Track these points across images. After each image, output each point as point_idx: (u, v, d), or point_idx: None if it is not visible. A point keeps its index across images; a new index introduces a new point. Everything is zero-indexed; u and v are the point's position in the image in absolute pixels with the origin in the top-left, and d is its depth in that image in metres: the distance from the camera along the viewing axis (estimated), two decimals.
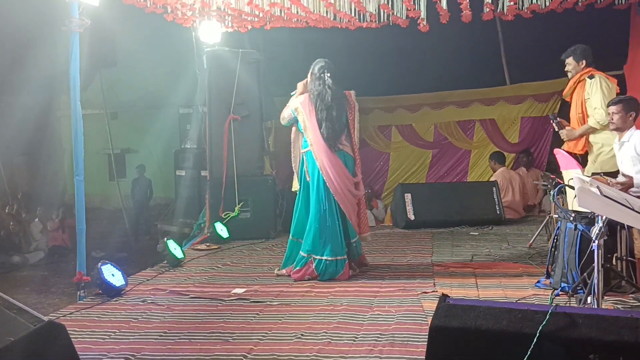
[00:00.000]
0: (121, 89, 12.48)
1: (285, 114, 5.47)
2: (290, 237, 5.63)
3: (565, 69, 5.88)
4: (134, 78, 12.35)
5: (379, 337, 3.69)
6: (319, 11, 6.38)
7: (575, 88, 5.83)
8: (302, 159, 5.44)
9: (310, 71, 5.41)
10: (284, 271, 5.53)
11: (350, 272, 5.38)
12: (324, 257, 5.26)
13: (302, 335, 3.77)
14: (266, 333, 3.84)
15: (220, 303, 4.59)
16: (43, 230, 10.35)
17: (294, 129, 5.55)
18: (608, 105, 5.04)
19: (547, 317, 2.34)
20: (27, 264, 9.30)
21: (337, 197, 5.28)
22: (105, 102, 11.25)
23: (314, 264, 5.27)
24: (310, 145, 5.31)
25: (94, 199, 12.97)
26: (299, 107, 5.35)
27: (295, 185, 5.58)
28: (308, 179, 5.38)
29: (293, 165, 5.61)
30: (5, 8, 7.33)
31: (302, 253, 5.35)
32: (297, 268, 5.35)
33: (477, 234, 7.59)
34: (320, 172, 5.27)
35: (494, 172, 9.29)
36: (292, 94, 5.54)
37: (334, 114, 5.31)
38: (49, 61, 7.96)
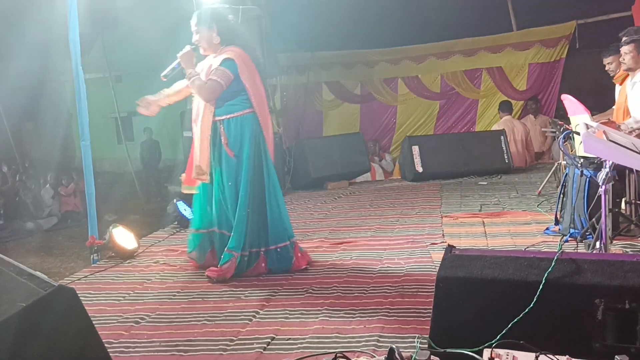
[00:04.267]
0: (124, 51, 12.39)
1: (223, 80, 3.95)
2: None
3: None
4: (136, 39, 12.24)
5: (388, 289, 3.73)
6: None
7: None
8: (217, 129, 4.09)
9: (207, 19, 4.08)
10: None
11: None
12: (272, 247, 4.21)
13: (312, 290, 3.82)
14: (277, 289, 3.89)
15: None
16: (55, 196, 10.44)
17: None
18: (620, 46, 4.93)
19: (553, 264, 2.35)
20: (40, 230, 9.41)
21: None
22: (109, 65, 11.17)
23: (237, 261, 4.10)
24: (260, 108, 4.11)
25: (103, 163, 13.06)
26: (241, 64, 4.03)
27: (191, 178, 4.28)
28: (231, 153, 4.06)
29: (198, 142, 4.16)
30: None
31: (231, 251, 4.09)
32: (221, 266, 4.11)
33: (485, 183, 7.59)
34: (267, 141, 4.14)
35: None
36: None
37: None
38: (49, 24, 7.88)
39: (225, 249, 4.10)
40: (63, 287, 1.93)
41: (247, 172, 4.05)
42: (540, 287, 2.31)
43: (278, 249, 4.21)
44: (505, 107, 9.29)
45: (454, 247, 2.65)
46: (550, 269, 2.34)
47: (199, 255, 4.37)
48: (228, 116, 4.07)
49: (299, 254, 4.31)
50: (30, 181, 10.79)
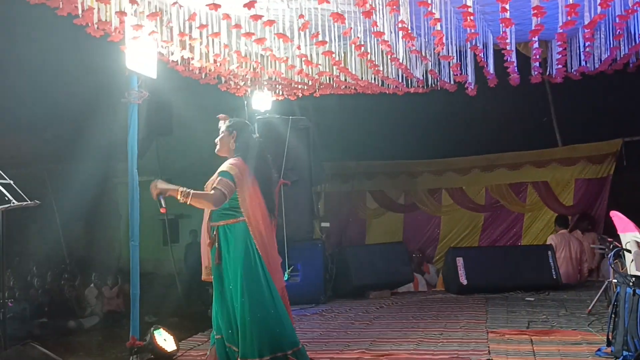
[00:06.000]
0: (176, 156, 12.88)
1: (226, 189, 4.04)
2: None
3: None
4: (188, 146, 12.77)
5: None
6: (367, 78, 6.53)
7: None
8: (212, 235, 4.20)
9: (234, 126, 4.34)
10: None
11: None
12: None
13: None
14: None
15: None
16: (98, 296, 10.54)
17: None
18: None
19: None
20: (82, 329, 9.44)
21: (276, 277, 4.20)
22: (161, 169, 11.58)
23: None
24: (249, 218, 4.13)
25: (147, 264, 13.20)
26: (238, 174, 4.15)
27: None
28: (218, 260, 4.13)
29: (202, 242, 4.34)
30: (70, 81, 7.77)
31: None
32: None
33: (533, 299, 7.36)
34: (260, 250, 4.10)
35: None
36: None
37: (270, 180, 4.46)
38: (108, 131, 8.33)
39: (238, 357, 3.97)
40: None
41: (242, 279, 4.02)
42: None
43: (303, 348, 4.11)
44: (562, 222, 9.15)
45: None
46: None
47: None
48: (222, 223, 4.14)
49: None
50: (75, 280, 10.96)
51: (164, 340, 4.89)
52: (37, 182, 11.21)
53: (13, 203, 4.44)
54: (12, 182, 4.57)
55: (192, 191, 4.04)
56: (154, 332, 4.85)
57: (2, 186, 4.42)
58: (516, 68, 6.62)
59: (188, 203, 4.02)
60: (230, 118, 4.41)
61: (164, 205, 4.13)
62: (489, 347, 5.04)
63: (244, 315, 3.97)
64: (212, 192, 4.06)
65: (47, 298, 9.92)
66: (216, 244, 4.14)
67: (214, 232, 4.16)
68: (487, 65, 6.44)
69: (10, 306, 8.58)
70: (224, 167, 4.18)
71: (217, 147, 4.35)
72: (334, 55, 5.37)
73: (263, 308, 4.01)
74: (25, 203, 4.54)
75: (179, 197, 4.05)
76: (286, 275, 7.38)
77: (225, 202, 4.07)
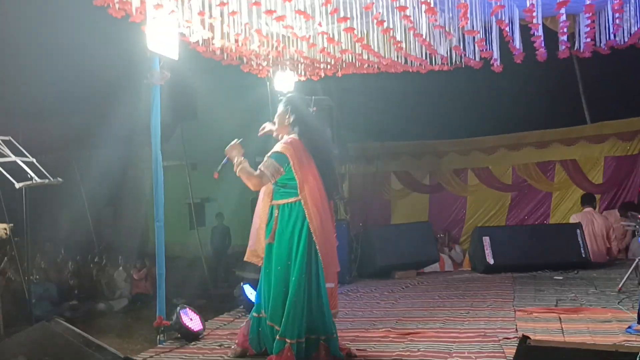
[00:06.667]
0: (200, 140, 12.92)
1: (268, 171, 4.05)
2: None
3: None
4: (213, 129, 12.77)
5: None
6: (390, 56, 6.43)
7: None
8: (272, 214, 4.19)
9: (289, 104, 4.32)
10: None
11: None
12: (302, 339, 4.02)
13: None
14: None
15: None
16: (127, 279, 10.69)
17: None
18: None
19: (637, 358, 2.18)
20: (111, 311, 9.59)
21: (330, 269, 4.15)
22: (186, 154, 11.64)
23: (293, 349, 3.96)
24: (306, 200, 4.07)
25: (174, 247, 13.33)
26: (294, 154, 4.09)
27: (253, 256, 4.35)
28: (272, 238, 4.14)
29: (255, 223, 4.32)
30: (93, 65, 7.80)
31: (283, 338, 3.98)
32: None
33: (561, 278, 7.27)
34: (314, 234, 4.05)
35: None
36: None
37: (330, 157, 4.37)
38: (133, 114, 8.36)
39: (277, 336, 3.98)
40: (129, 359, 1.94)
41: (301, 257, 4.02)
42: None
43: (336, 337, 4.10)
44: (587, 200, 8.96)
45: (529, 337, 2.51)
46: None
47: (252, 340, 4.27)
48: (282, 201, 4.12)
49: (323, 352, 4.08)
50: (104, 264, 11.12)
51: (190, 319, 4.93)
52: (65, 167, 11.33)
53: (35, 180, 4.49)
54: (34, 160, 4.62)
55: (244, 165, 4.08)
56: (180, 311, 4.89)
57: (25, 164, 4.47)
58: (543, 43, 6.46)
59: (237, 174, 4.09)
60: (286, 95, 4.40)
61: (218, 169, 4.17)
62: (516, 325, 4.99)
63: (291, 295, 3.97)
64: (256, 172, 4.07)
65: (77, 281, 10.09)
66: (273, 222, 4.13)
67: (274, 211, 4.15)
68: (513, 41, 6.30)
69: (37, 285, 8.72)
70: (276, 146, 4.16)
71: (275, 126, 4.32)
72: (355, 32, 5.29)
73: (308, 290, 4.02)
74: (47, 180, 4.59)
75: (235, 164, 4.11)
76: None
77: (265, 183, 4.09)
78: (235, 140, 4.24)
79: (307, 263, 4.03)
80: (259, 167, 4.08)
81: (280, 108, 4.31)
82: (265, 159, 4.09)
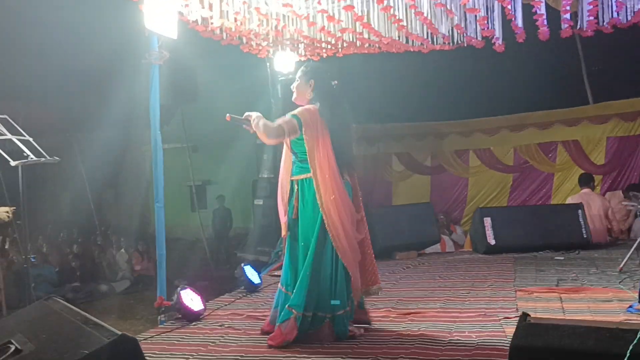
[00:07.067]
0: (201, 123, 12.89)
1: (286, 126, 3.99)
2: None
3: None
4: (213, 111, 12.69)
5: None
6: (391, 35, 6.38)
7: None
8: (293, 188, 4.18)
9: (311, 73, 4.21)
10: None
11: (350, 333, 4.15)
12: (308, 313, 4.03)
13: (379, 358, 3.68)
14: (342, 357, 3.77)
15: None
16: (129, 260, 10.73)
17: (285, 149, 4.29)
18: None
19: (638, 335, 2.17)
20: (113, 292, 9.65)
21: (337, 243, 4.01)
22: (187, 136, 11.64)
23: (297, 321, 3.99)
24: (315, 171, 4.02)
25: (176, 229, 13.41)
26: (308, 120, 4.03)
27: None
28: (296, 215, 4.15)
29: (280, 198, 4.29)
30: (93, 46, 7.75)
31: (292, 309, 4.03)
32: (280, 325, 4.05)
33: (562, 258, 7.26)
34: (322, 208, 4.00)
35: None
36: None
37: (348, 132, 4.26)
38: (132, 96, 8.33)
39: (287, 306, 4.03)
40: (126, 336, 1.94)
41: (318, 233, 4.01)
42: None
43: (344, 314, 4.10)
44: (585, 181, 8.89)
45: (529, 315, 2.50)
46: (635, 341, 2.16)
47: (273, 314, 4.27)
48: (301, 176, 4.11)
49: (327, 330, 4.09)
50: (106, 245, 11.16)
51: (191, 300, 4.94)
52: (65, 149, 11.32)
53: (31, 158, 4.48)
54: (31, 139, 4.61)
55: (261, 117, 4.05)
56: (181, 292, 4.89)
57: (22, 143, 4.46)
58: (545, 21, 6.39)
59: (252, 130, 4.05)
60: (307, 63, 4.29)
61: (233, 118, 4.14)
62: (517, 305, 4.98)
63: (305, 269, 4.00)
64: (275, 124, 4.00)
65: (79, 263, 10.14)
66: (294, 198, 4.11)
67: (294, 186, 4.13)
68: (515, 19, 6.23)
69: (36, 266, 8.75)
70: (295, 110, 4.08)
71: (294, 95, 4.23)
72: (355, 10, 5.24)
73: (321, 268, 4.01)
74: (43, 159, 4.57)
75: (252, 121, 4.07)
76: None
77: (281, 138, 4.03)
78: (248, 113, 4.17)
79: (322, 238, 4.00)
80: (277, 120, 4.02)
81: (302, 77, 4.20)
82: (284, 117, 4.03)
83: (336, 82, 4.23)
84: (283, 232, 4.24)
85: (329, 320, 4.07)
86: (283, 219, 4.24)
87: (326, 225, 3.98)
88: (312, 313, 4.01)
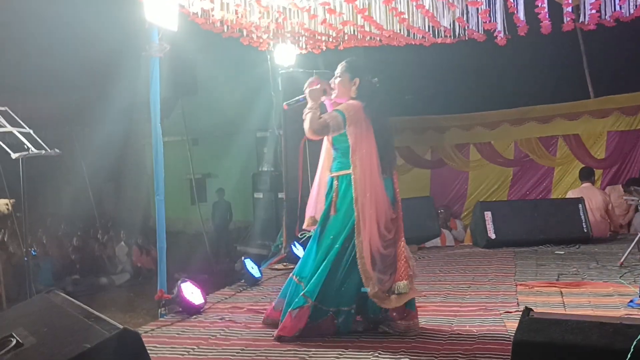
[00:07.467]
0: (201, 116, 12.89)
1: (332, 122, 3.98)
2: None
3: None
4: (213, 104, 12.73)
5: (460, 357, 3.55)
6: (392, 27, 6.35)
7: None
8: (332, 184, 4.12)
9: (354, 70, 4.15)
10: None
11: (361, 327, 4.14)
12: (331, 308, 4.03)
13: (379, 354, 3.68)
14: (342, 351, 3.76)
15: None
16: (128, 253, 10.73)
17: (326, 145, 4.26)
18: None
19: None
20: (113, 285, 9.66)
21: (363, 234, 3.96)
22: (187, 129, 11.62)
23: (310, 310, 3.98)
24: (355, 167, 3.97)
25: (176, 223, 13.42)
26: (353, 116, 4.00)
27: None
28: (333, 212, 4.08)
29: (315, 192, 4.25)
30: (93, 39, 7.72)
31: (307, 297, 4.01)
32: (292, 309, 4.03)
33: (563, 252, 7.25)
34: (356, 204, 3.95)
35: None
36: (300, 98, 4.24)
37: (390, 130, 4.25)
38: (133, 88, 8.31)
39: (302, 292, 4.00)
40: (128, 330, 1.93)
41: (349, 229, 3.97)
42: (628, 356, 2.12)
43: (351, 311, 4.07)
44: (585, 175, 8.85)
45: (532, 309, 2.49)
46: (639, 337, 2.15)
47: (279, 300, 4.27)
48: (341, 173, 4.05)
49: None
50: (106, 238, 11.15)
51: (191, 293, 4.93)
52: (65, 142, 11.32)
53: (32, 151, 4.46)
54: (31, 131, 4.59)
55: (313, 109, 4.01)
56: (181, 285, 4.89)
57: (22, 135, 4.44)
58: (547, 15, 6.37)
59: (304, 115, 4.02)
60: (348, 60, 4.21)
61: (290, 103, 4.18)
62: (517, 299, 4.98)
63: (328, 261, 3.96)
64: (321, 120, 3.98)
65: (79, 256, 10.14)
66: (333, 193, 4.05)
67: (334, 182, 4.08)
68: (517, 12, 6.20)
69: (35, 259, 8.75)
70: (341, 105, 4.04)
71: (335, 93, 4.16)
72: (357, 3, 5.21)
73: (341, 263, 3.97)
74: (44, 151, 4.56)
75: (309, 106, 4.04)
76: (312, 231, 7.42)
77: (325, 134, 4.03)
78: (315, 76, 4.17)
79: (351, 235, 3.96)
80: (323, 116, 3.99)
81: (344, 74, 4.13)
82: (329, 112, 4.01)
83: (377, 79, 4.17)
84: (306, 225, 4.23)
85: (333, 314, 4.05)
86: (310, 213, 4.21)
87: (357, 221, 3.94)
88: (320, 304, 3.99)
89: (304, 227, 4.25)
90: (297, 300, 4.01)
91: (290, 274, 4.28)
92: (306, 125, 4.02)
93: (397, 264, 4.09)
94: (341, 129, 3.96)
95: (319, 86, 4.13)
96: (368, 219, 3.94)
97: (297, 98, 4.17)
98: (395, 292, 4.04)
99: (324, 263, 3.99)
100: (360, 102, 4.03)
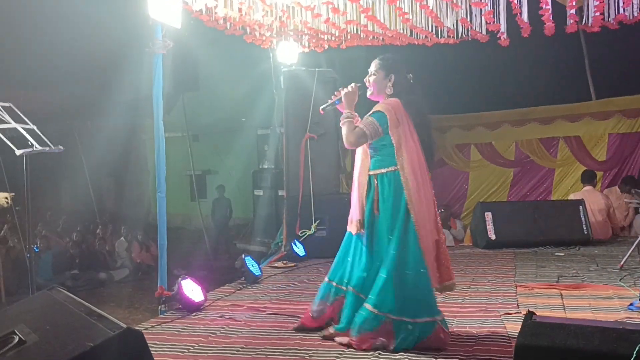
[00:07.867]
0: (202, 112, 12.88)
1: (368, 129, 3.83)
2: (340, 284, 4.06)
3: None
4: (215, 101, 12.72)
5: (459, 358, 3.55)
6: (396, 27, 6.35)
7: None
8: (371, 183, 3.95)
9: (389, 67, 4.01)
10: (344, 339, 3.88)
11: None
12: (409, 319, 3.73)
13: (379, 354, 3.68)
14: (342, 351, 3.76)
15: (296, 320, 4.55)
16: (128, 248, 10.72)
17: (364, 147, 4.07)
18: None
19: None
20: (112, 281, 9.65)
21: (422, 233, 3.81)
22: (188, 125, 11.61)
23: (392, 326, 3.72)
24: (402, 165, 3.83)
25: (176, 219, 13.42)
26: (395, 117, 3.86)
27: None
28: (377, 209, 3.92)
29: (357, 195, 4.02)
30: (94, 32, 7.70)
31: (372, 309, 3.74)
32: (367, 332, 3.75)
33: (563, 254, 7.26)
34: (410, 204, 3.80)
35: None
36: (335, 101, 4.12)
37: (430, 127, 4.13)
38: (134, 85, 8.30)
39: (376, 310, 3.70)
40: (131, 329, 1.92)
41: (399, 231, 3.79)
42: None
43: (417, 323, 3.76)
44: (587, 178, 8.81)
45: (534, 313, 2.49)
46: None
47: (319, 308, 4.11)
48: (380, 171, 3.91)
49: (441, 335, 3.79)
50: (105, 233, 11.14)
51: (192, 290, 4.93)
52: (66, 137, 11.29)
53: (35, 147, 4.44)
54: (35, 127, 4.58)
55: (349, 120, 3.91)
56: (182, 282, 4.89)
57: (26, 131, 4.43)
58: (551, 17, 6.36)
59: (341, 123, 3.94)
60: (382, 56, 4.07)
61: (325, 107, 4.11)
62: (517, 300, 4.98)
63: (390, 270, 3.73)
64: (357, 129, 3.86)
65: (78, 250, 10.13)
66: (374, 193, 3.90)
67: (373, 180, 3.92)
68: (521, 13, 6.20)
69: (36, 253, 8.76)
70: (378, 106, 3.93)
71: (370, 90, 4.04)
72: (361, 2, 5.21)
73: (404, 267, 3.75)
74: (47, 148, 4.54)
75: (344, 113, 3.96)
76: (313, 229, 7.44)
77: (363, 143, 3.89)
78: (353, 84, 4.03)
79: (404, 236, 3.78)
80: (359, 125, 3.87)
81: (378, 71, 3.99)
82: (366, 117, 3.89)
83: (411, 75, 4.07)
84: (354, 230, 3.97)
85: (440, 323, 3.79)
86: (356, 217, 3.97)
87: (414, 223, 3.77)
88: (396, 317, 3.71)
89: (354, 232, 3.99)
90: (370, 317, 3.72)
91: (330, 280, 4.08)
92: (344, 136, 3.91)
93: (445, 263, 4.02)
94: (380, 134, 3.84)
95: (353, 88, 4.02)
96: (423, 219, 3.81)
97: (331, 101, 4.07)
98: (446, 289, 4.04)
99: (384, 270, 3.75)
100: (398, 99, 3.91)
